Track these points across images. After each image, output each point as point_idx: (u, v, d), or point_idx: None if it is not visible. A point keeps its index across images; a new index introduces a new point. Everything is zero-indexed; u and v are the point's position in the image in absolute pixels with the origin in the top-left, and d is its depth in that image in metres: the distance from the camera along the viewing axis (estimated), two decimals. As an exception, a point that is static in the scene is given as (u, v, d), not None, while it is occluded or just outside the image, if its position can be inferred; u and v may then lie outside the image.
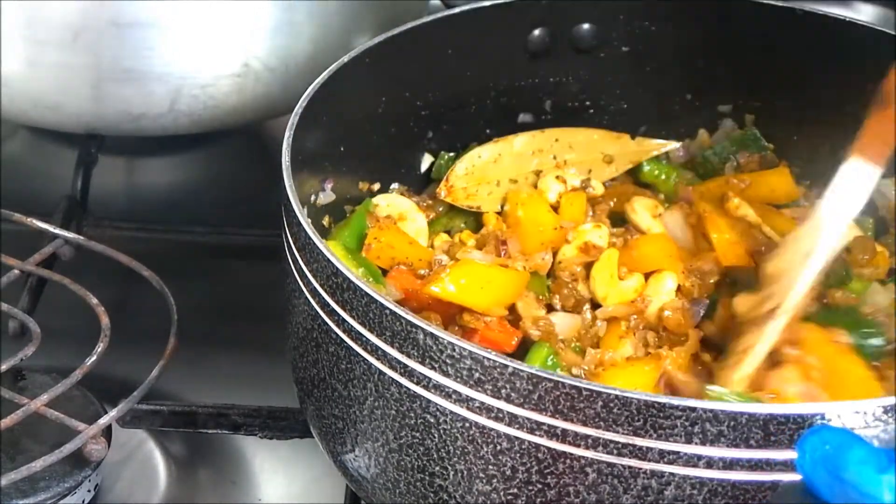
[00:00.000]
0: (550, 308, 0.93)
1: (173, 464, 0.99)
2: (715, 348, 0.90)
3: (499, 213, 1.01)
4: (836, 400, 0.79)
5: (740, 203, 1.00)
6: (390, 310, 0.73)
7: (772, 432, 0.68)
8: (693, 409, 0.68)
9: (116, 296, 1.01)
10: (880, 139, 0.89)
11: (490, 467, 0.73)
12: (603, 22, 1.05)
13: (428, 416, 0.74)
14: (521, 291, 0.91)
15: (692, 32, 1.05)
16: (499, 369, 0.70)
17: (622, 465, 0.70)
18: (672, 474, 0.69)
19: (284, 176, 0.83)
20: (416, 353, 0.73)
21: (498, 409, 0.71)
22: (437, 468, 0.75)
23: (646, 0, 1.05)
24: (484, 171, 1.02)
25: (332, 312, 0.78)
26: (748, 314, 0.89)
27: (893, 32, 1.01)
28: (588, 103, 1.08)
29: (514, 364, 0.70)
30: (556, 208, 1.00)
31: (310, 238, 0.78)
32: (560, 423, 0.70)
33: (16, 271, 1.00)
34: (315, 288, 0.79)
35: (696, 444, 0.68)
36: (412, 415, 0.75)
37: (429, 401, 0.73)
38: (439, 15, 1.01)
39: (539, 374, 0.69)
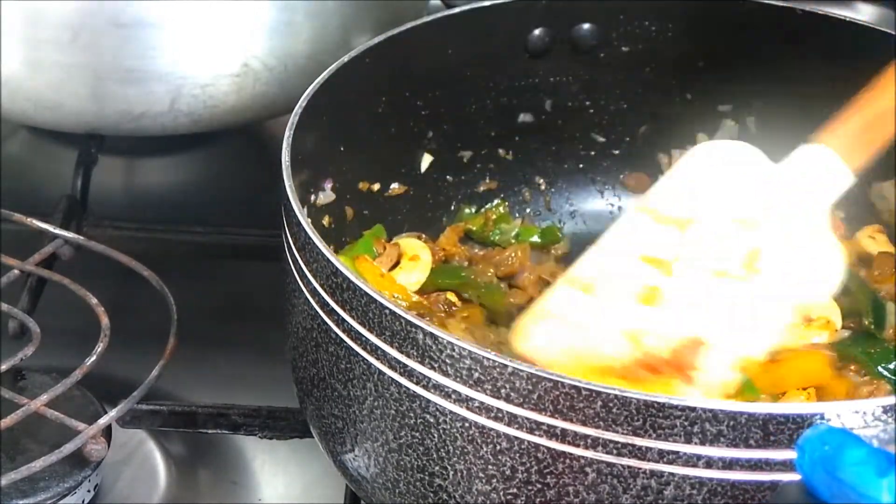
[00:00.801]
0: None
1: (173, 464, 0.99)
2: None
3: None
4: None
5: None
6: (390, 309, 0.73)
7: (771, 432, 0.68)
8: (692, 409, 0.67)
9: (116, 296, 1.01)
10: (864, 138, 0.86)
11: (489, 467, 0.73)
12: (603, 22, 1.05)
13: (427, 416, 0.74)
14: None
15: (692, 32, 1.05)
16: (498, 369, 0.70)
17: (621, 465, 0.70)
18: (671, 474, 0.69)
19: (284, 176, 0.83)
20: (415, 353, 0.73)
21: (497, 408, 0.71)
22: (437, 468, 0.75)
23: (646, 0, 1.05)
24: None
25: (331, 312, 0.78)
26: None
27: (893, 32, 1.01)
28: (588, 103, 1.08)
29: (513, 364, 0.70)
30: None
31: (309, 238, 0.78)
32: (559, 423, 0.70)
33: (16, 271, 1.00)
34: (315, 288, 0.79)
35: (696, 443, 0.68)
36: (412, 414, 0.74)
37: (428, 400, 0.73)
38: (439, 15, 1.01)
39: (538, 373, 0.69)
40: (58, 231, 1.03)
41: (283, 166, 0.83)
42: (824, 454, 0.65)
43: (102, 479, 0.94)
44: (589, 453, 0.70)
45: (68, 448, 0.87)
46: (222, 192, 1.27)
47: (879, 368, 0.89)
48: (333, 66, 0.93)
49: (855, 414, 0.68)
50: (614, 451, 0.69)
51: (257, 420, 0.95)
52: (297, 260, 0.81)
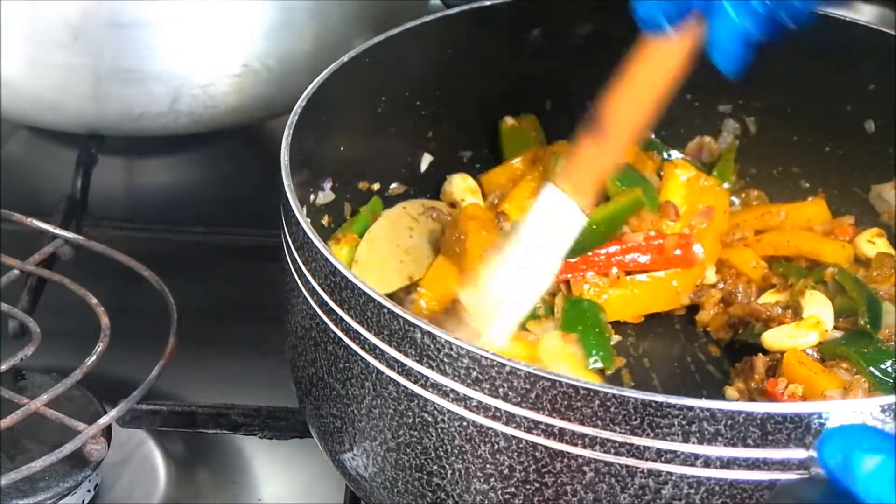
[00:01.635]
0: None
1: (173, 464, 0.99)
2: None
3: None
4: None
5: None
6: (388, 308, 0.73)
7: (769, 431, 0.68)
8: (690, 409, 0.67)
9: (116, 296, 1.01)
10: (587, 172, 0.87)
11: (488, 466, 0.73)
12: (603, 22, 1.05)
13: (425, 415, 0.74)
14: None
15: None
16: (496, 368, 0.70)
17: (619, 465, 0.70)
18: (669, 473, 0.69)
19: (283, 175, 0.83)
20: (413, 352, 0.73)
21: (495, 407, 0.71)
22: (435, 467, 0.75)
23: (646, 0, 1.05)
24: None
25: (330, 311, 0.78)
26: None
27: (893, 32, 1.01)
28: (588, 102, 1.08)
29: (511, 363, 0.70)
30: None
31: (308, 237, 0.78)
32: (557, 422, 0.70)
33: (16, 271, 1.00)
34: (313, 287, 0.79)
35: (694, 443, 0.68)
36: (410, 414, 0.75)
37: (426, 399, 0.73)
38: (439, 15, 1.01)
39: (536, 373, 0.69)
40: (58, 231, 1.03)
41: (283, 166, 0.83)
42: (837, 463, 0.64)
43: (102, 479, 0.94)
44: (587, 452, 0.70)
45: (68, 448, 0.87)
46: (222, 192, 1.27)
47: (871, 370, 0.89)
48: (333, 66, 0.93)
49: (853, 413, 0.68)
50: (612, 451, 0.69)
51: (257, 420, 0.95)
52: (295, 259, 0.81)
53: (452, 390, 0.72)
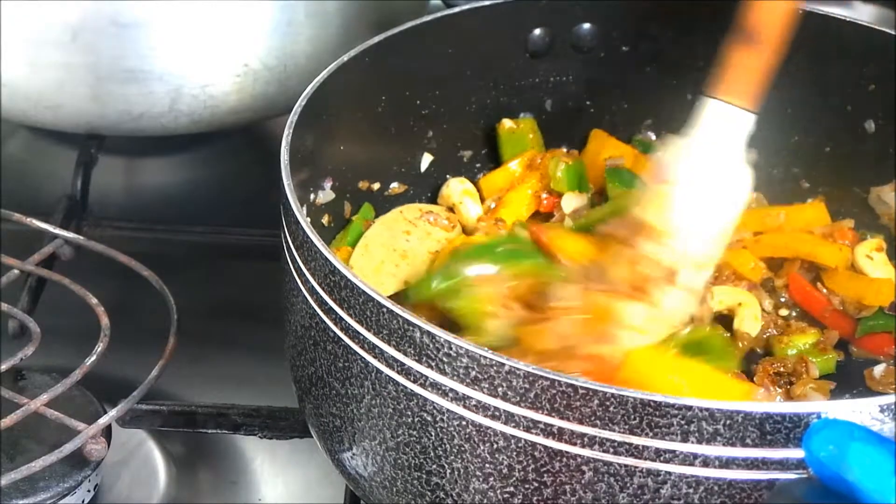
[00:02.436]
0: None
1: (173, 464, 0.99)
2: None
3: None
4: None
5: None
6: (387, 308, 0.73)
7: (768, 431, 0.68)
8: (689, 408, 0.67)
9: (116, 296, 1.01)
10: (747, 78, 0.88)
11: (487, 465, 0.73)
12: (603, 22, 1.05)
13: (425, 415, 0.74)
14: None
15: (692, 33, 1.05)
16: (495, 367, 0.70)
17: (618, 464, 0.70)
18: (668, 473, 0.69)
19: (283, 174, 0.83)
20: (412, 351, 0.73)
21: (494, 407, 0.71)
22: (434, 466, 0.75)
23: (646, 0, 1.05)
24: None
25: (329, 310, 0.78)
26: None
27: (893, 32, 1.01)
28: (588, 103, 1.08)
29: (510, 362, 0.70)
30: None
31: (308, 236, 0.78)
32: (556, 422, 0.70)
33: (16, 271, 1.00)
34: (313, 286, 0.79)
35: (693, 442, 0.68)
36: (409, 413, 0.75)
37: (425, 399, 0.73)
38: (439, 14, 1.01)
39: (535, 372, 0.69)
40: (58, 231, 1.03)
41: (283, 165, 0.83)
42: (830, 454, 0.65)
43: (102, 479, 0.94)
44: (586, 452, 0.70)
45: (68, 448, 0.87)
46: (222, 192, 1.28)
47: None
48: (333, 66, 0.93)
49: (852, 413, 0.68)
50: (611, 450, 0.69)
51: (257, 420, 0.95)
52: (295, 258, 0.81)
53: (451, 389, 0.72)
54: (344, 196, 0.98)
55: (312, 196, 0.94)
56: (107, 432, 0.90)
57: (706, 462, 0.69)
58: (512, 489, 0.73)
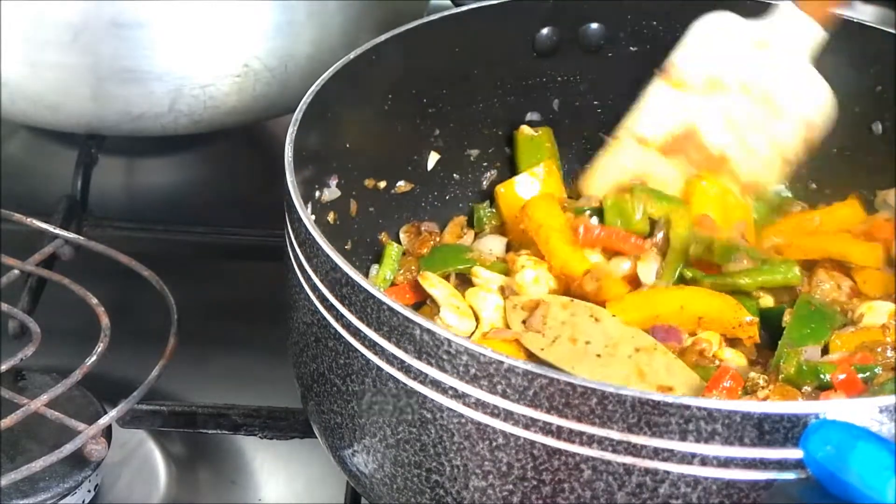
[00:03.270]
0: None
1: (173, 464, 0.99)
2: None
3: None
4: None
5: None
6: (388, 305, 0.73)
7: (766, 431, 0.68)
8: (687, 407, 0.67)
9: (116, 296, 1.01)
10: None
11: (486, 463, 0.73)
12: (610, 21, 1.05)
13: (424, 412, 0.74)
14: None
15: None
16: (494, 365, 0.70)
17: (617, 463, 0.70)
18: (666, 472, 0.69)
19: (287, 171, 0.83)
20: (412, 349, 0.73)
21: (494, 405, 0.71)
22: (434, 464, 0.75)
23: (653, 0, 1.05)
24: None
25: (331, 307, 0.78)
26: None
27: (893, 32, 1.01)
28: (596, 102, 1.08)
29: (509, 360, 0.70)
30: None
31: (310, 233, 0.79)
32: (555, 420, 0.70)
33: (16, 271, 1.00)
34: (315, 283, 0.79)
35: (691, 441, 0.68)
36: (409, 410, 0.75)
37: (425, 396, 0.73)
38: (446, 13, 1.01)
39: (534, 370, 0.69)
40: (58, 231, 1.03)
41: (286, 161, 0.83)
42: (827, 454, 0.65)
43: (102, 479, 0.94)
44: (584, 450, 0.70)
45: (68, 448, 0.87)
46: (222, 192, 1.28)
47: None
48: (339, 63, 0.93)
49: (851, 413, 0.68)
50: (609, 449, 0.69)
51: (257, 420, 0.95)
52: (298, 255, 0.81)
53: (451, 387, 0.72)
54: (350, 194, 0.98)
55: (318, 193, 0.94)
56: (107, 432, 0.90)
57: (704, 461, 0.69)
58: (511, 487, 0.73)
